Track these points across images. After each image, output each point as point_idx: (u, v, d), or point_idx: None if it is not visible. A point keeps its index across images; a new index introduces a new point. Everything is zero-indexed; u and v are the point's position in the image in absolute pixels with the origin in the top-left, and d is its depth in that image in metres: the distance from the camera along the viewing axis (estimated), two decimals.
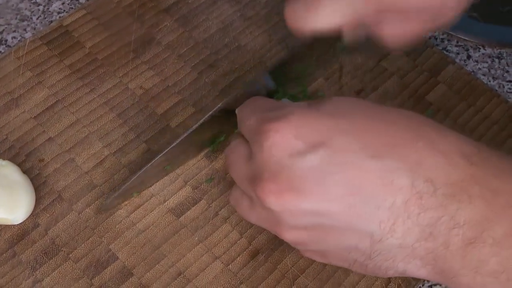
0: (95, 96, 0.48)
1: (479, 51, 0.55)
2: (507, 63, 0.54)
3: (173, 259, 0.42)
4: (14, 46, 0.52)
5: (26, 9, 0.56)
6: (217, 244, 0.42)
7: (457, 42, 0.55)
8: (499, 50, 0.55)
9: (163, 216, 0.43)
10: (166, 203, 0.44)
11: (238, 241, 0.43)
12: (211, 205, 0.44)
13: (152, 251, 0.42)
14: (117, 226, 0.43)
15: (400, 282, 0.41)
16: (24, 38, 0.53)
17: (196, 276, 0.41)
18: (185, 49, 0.51)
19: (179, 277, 0.41)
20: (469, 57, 0.55)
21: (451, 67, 0.51)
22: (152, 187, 0.44)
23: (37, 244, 0.42)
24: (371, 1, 0.39)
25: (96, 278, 0.41)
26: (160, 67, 0.50)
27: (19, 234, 0.42)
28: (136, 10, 0.53)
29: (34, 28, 0.54)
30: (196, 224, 0.43)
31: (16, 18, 0.55)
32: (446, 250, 0.31)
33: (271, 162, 0.33)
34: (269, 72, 0.43)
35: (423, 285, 0.43)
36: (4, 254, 0.41)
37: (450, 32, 0.55)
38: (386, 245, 0.32)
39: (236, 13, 0.53)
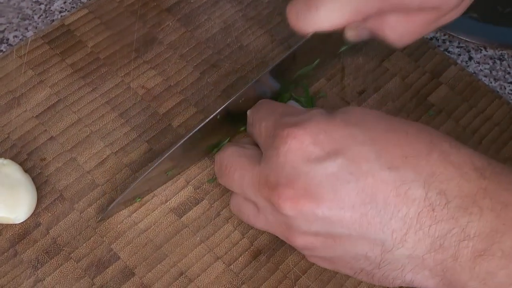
0: (97, 96, 0.48)
1: (480, 52, 0.55)
2: (508, 65, 0.54)
3: (174, 259, 0.42)
4: (15, 45, 0.52)
5: (27, 8, 0.56)
6: (219, 244, 0.42)
7: (459, 43, 0.55)
8: (500, 52, 0.55)
9: (165, 216, 0.43)
10: (168, 203, 0.44)
11: (240, 242, 0.43)
12: (213, 205, 0.44)
13: (153, 251, 0.42)
14: (118, 226, 0.43)
15: None
16: (26, 37, 0.53)
17: (197, 276, 0.41)
18: (187, 49, 0.51)
19: (181, 277, 0.41)
20: (470, 58, 0.55)
21: (453, 68, 0.51)
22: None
23: (38, 243, 0.42)
24: (373, 0, 0.39)
25: (98, 278, 0.41)
26: (162, 67, 0.50)
27: (21, 233, 0.42)
28: (138, 9, 0.53)
29: (36, 27, 0.54)
30: (198, 224, 0.43)
31: (17, 17, 0.55)
32: (455, 261, 0.31)
33: (288, 168, 0.33)
34: (271, 73, 0.43)
35: None
36: (6, 253, 0.41)
37: (452, 33, 0.55)
38: (396, 255, 0.32)
39: (238, 13, 0.53)
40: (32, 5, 0.56)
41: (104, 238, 0.42)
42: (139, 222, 0.43)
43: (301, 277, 0.41)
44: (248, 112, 0.40)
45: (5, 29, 0.54)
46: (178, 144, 0.41)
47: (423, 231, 0.31)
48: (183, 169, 0.45)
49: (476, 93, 0.50)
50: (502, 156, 0.47)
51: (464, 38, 0.55)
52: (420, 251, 0.32)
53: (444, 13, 0.41)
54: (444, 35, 0.56)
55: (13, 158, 0.45)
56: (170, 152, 0.41)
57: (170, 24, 0.52)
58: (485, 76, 0.53)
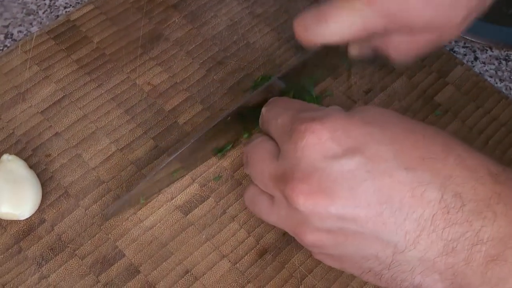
0: (102, 92, 0.48)
1: (486, 52, 0.55)
2: None
3: (180, 257, 0.41)
4: (20, 40, 0.51)
5: (32, 3, 0.55)
6: (224, 243, 0.42)
7: (464, 43, 0.55)
8: (506, 52, 0.55)
9: (171, 213, 0.43)
10: (174, 200, 0.44)
11: (246, 240, 0.42)
12: (218, 203, 0.44)
13: (159, 249, 0.42)
14: (124, 223, 0.42)
15: None
16: (30, 32, 0.53)
17: (203, 275, 0.41)
18: (193, 46, 0.51)
19: (186, 275, 0.41)
20: (476, 58, 0.55)
21: (459, 68, 0.51)
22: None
23: (43, 240, 0.42)
24: (381, 17, 0.40)
25: (103, 275, 0.41)
26: (168, 64, 0.50)
27: (25, 230, 0.42)
28: (144, 5, 0.53)
29: (40, 23, 0.54)
30: (203, 222, 0.43)
31: (22, 12, 0.55)
32: (467, 266, 0.31)
33: (304, 163, 0.33)
34: (280, 77, 0.44)
35: None
36: (10, 250, 0.41)
37: None
38: (407, 257, 0.32)
39: (245, 10, 0.53)
40: (36, 0, 0.55)
41: (109, 235, 0.42)
42: (145, 219, 0.43)
43: (307, 276, 0.41)
44: (263, 109, 0.40)
45: (9, 24, 0.54)
46: (188, 145, 0.41)
47: (437, 234, 0.31)
48: (189, 170, 0.45)
49: (482, 93, 0.50)
50: (508, 157, 0.47)
51: (469, 39, 0.55)
52: (432, 253, 0.31)
53: (447, 33, 0.42)
54: None
55: (18, 154, 0.44)
56: (178, 153, 0.41)
57: (177, 20, 0.52)
58: (491, 77, 0.53)
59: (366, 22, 0.40)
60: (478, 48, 0.55)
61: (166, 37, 0.51)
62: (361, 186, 0.32)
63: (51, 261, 0.41)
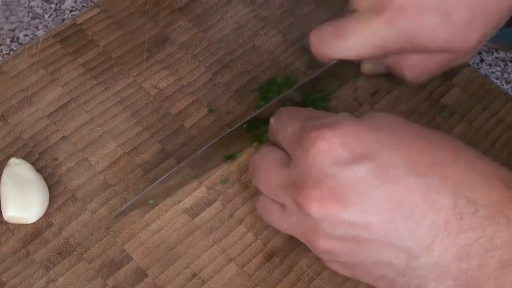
0: (109, 95, 0.48)
1: (492, 54, 0.55)
2: None
3: (187, 260, 0.41)
4: (26, 44, 0.51)
5: (38, 7, 0.55)
6: (232, 246, 0.42)
7: None
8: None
9: (178, 217, 0.43)
10: (181, 203, 0.44)
11: (253, 243, 0.42)
12: (226, 207, 0.44)
13: (166, 252, 0.42)
14: (131, 227, 0.42)
15: None
16: (36, 36, 0.53)
17: (211, 278, 0.41)
18: (199, 49, 0.51)
19: (194, 278, 0.41)
20: (482, 60, 0.55)
21: (465, 70, 0.51)
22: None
23: (50, 243, 0.42)
24: (398, 37, 0.41)
25: (110, 279, 0.40)
26: (174, 67, 0.50)
27: (33, 233, 0.42)
28: (150, 9, 0.53)
29: (46, 26, 0.54)
30: (211, 225, 0.43)
31: (28, 16, 0.55)
32: (480, 271, 0.31)
33: (315, 169, 0.33)
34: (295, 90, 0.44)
35: None
36: (18, 253, 0.41)
37: None
38: (421, 263, 0.32)
39: (251, 13, 0.53)
40: (42, 4, 0.55)
41: (117, 239, 0.42)
42: (152, 223, 0.43)
43: (315, 279, 0.41)
44: (271, 119, 0.40)
45: (15, 27, 0.54)
46: (199, 152, 0.41)
47: (450, 240, 0.31)
48: (198, 176, 0.45)
49: (488, 95, 0.50)
50: None
51: None
52: (446, 259, 0.31)
53: (462, 54, 0.42)
54: None
55: (25, 158, 0.44)
56: (189, 159, 0.41)
57: (182, 24, 0.52)
58: (497, 79, 0.53)
59: (383, 41, 0.40)
60: (484, 50, 0.55)
61: (172, 41, 0.51)
62: (373, 192, 0.32)
63: (59, 264, 0.41)
